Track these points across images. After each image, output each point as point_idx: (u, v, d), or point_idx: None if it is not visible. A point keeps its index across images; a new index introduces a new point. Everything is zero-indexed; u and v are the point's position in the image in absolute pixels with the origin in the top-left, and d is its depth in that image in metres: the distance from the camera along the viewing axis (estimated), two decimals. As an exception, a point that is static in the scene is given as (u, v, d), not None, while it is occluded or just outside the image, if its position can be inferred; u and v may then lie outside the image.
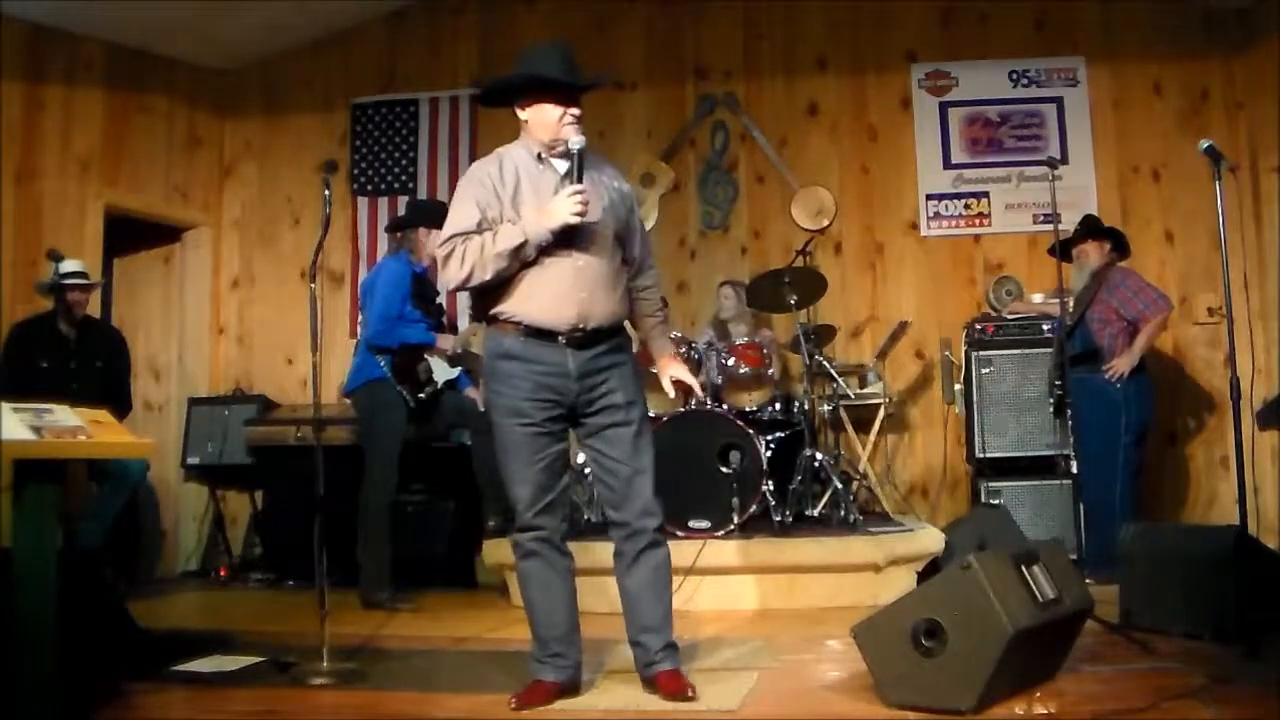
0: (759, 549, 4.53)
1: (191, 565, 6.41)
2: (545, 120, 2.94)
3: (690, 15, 6.49)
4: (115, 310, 6.57)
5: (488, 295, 2.94)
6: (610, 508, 3.00)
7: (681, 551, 4.01)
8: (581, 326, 2.89)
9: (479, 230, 2.89)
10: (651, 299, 3.19)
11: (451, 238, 2.90)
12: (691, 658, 3.20)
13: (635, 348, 3.18)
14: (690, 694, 2.88)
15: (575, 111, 2.94)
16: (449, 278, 2.92)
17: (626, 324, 3.10)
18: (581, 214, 2.83)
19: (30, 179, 5.59)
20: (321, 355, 3.57)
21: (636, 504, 2.94)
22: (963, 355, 5.53)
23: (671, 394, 3.19)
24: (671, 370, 3.17)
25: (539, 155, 2.98)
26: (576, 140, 2.90)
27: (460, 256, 2.87)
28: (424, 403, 4.81)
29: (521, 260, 2.86)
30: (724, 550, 4.44)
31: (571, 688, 2.95)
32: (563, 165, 2.97)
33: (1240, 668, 2.99)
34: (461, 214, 2.92)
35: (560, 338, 2.89)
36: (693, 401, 3.17)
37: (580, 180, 2.86)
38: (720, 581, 4.39)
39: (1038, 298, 5.75)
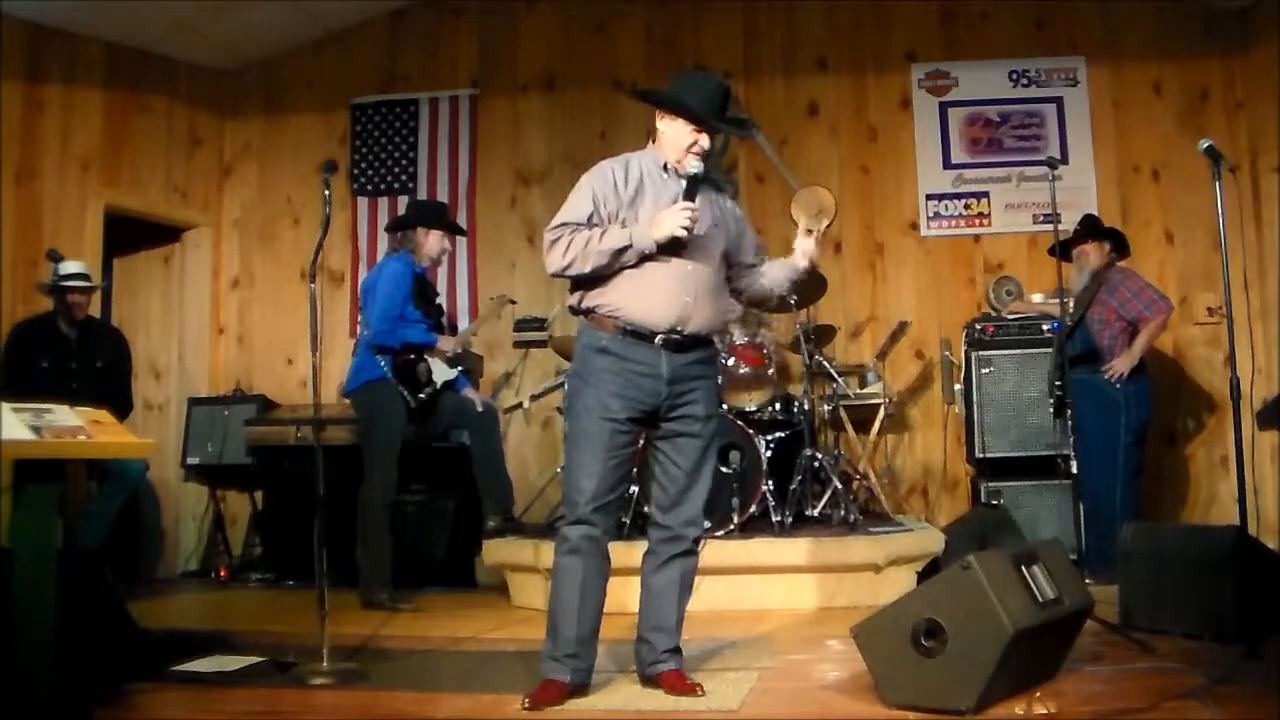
0: (759, 549, 4.53)
1: (191, 565, 6.41)
2: (676, 140, 3.02)
3: (690, 15, 6.49)
4: (115, 310, 6.57)
5: (589, 288, 2.99)
6: (658, 508, 3.05)
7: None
8: (680, 329, 2.94)
9: (589, 223, 2.96)
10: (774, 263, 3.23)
11: (560, 225, 2.97)
12: (692, 658, 3.20)
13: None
14: (699, 691, 2.91)
15: (704, 144, 3.01)
16: (549, 263, 2.99)
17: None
18: (689, 230, 2.90)
19: (30, 179, 5.59)
20: (321, 355, 3.57)
21: (686, 512, 3.02)
22: (963, 355, 5.53)
23: (798, 252, 3.17)
24: (804, 245, 3.13)
25: (665, 165, 3.05)
26: (694, 166, 2.98)
27: (565, 245, 2.94)
28: (423, 403, 4.81)
29: (622, 263, 2.93)
30: (724, 550, 4.44)
31: (580, 690, 2.95)
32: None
33: (1240, 668, 2.98)
34: (576, 205, 3.00)
35: (657, 338, 2.93)
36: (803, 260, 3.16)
37: (692, 200, 2.93)
38: (720, 581, 4.38)
39: (1038, 298, 5.75)
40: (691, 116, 2.99)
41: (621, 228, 2.95)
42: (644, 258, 2.93)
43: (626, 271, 2.94)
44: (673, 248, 2.94)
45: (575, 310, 3.08)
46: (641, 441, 3.17)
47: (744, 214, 3.29)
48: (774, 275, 3.23)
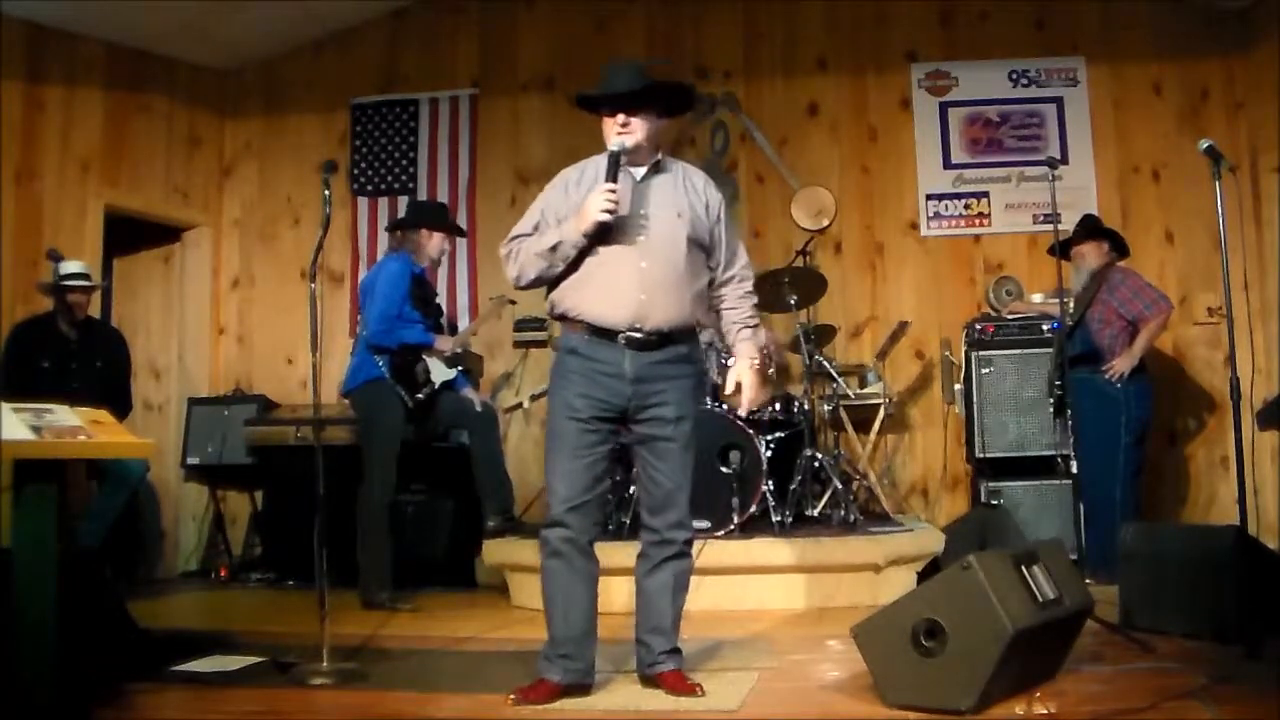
0: (759, 549, 4.53)
1: (191, 565, 6.41)
2: (605, 129, 3.04)
3: (690, 15, 6.49)
4: (115, 310, 6.57)
5: (558, 293, 3.01)
6: (647, 512, 3.05)
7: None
8: (638, 327, 2.92)
9: (535, 232, 3.01)
10: (740, 307, 3.14)
11: (510, 240, 3.05)
12: (691, 657, 3.20)
13: None
14: (699, 691, 2.91)
15: (621, 119, 2.99)
16: (507, 276, 3.06)
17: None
18: (610, 212, 2.88)
19: (30, 179, 5.59)
20: (321, 355, 3.57)
21: (672, 515, 3.01)
22: (963, 355, 5.53)
23: (729, 389, 3.14)
24: (741, 371, 3.09)
25: None
26: (615, 143, 2.97)
27: (514, 257, 3.02)
28: (422, 403, 4.81)
29: (563, 260, 2.94)
30: (724, 550, 4.44)
31: (578, 689, 2.95)
32: (639, 171, 3.03)
33: (1240, 668, 2.99)
34: (525, 218, 3.07)
35: (620, 338, 2.92)
36: (739, 409, 3.18)
37: (614, 180, 2.91)
38: (720, 581, 4.39)
39: (1038, 298, 5.75)
40: (585, 104, 3.06)
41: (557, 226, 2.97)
42: (586, 253, 2.92)
43: (586, 273, 2.95)
44: (627, 244, 2.93)
45: (551, 315, 3.10)
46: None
47: (737, 218, 3.22)
48: (731, 334, 3.16)
